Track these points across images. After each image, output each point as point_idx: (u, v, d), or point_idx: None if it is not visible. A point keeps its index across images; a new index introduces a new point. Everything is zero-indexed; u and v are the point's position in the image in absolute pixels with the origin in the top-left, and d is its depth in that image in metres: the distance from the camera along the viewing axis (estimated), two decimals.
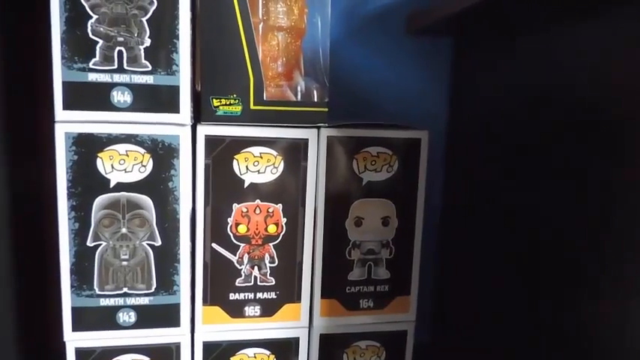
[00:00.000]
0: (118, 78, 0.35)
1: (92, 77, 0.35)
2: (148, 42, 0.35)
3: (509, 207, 0.43)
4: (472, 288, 0.50)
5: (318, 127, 0.38)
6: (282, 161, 0.38)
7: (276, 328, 0.40)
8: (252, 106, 0.37)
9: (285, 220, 0.39)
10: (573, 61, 0.36)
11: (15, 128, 0.42)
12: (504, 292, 0.44)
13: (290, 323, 0.41)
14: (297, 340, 0.41)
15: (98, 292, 0.37)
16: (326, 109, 0.38)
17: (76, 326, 0.37)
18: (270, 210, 0.38)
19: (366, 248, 0.41)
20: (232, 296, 0.39)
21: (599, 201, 0.33)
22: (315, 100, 0.38)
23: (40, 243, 0.42)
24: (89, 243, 0.37)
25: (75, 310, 0.37)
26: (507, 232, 0.44)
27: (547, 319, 0.38)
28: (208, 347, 0.40)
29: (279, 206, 0.39)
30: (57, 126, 0.35)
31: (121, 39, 0.34)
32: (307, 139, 0.38)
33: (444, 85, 0.53)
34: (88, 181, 0.36)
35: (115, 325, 0.38)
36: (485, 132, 0.47)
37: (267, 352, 0.41)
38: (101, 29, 0.34)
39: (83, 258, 0.37)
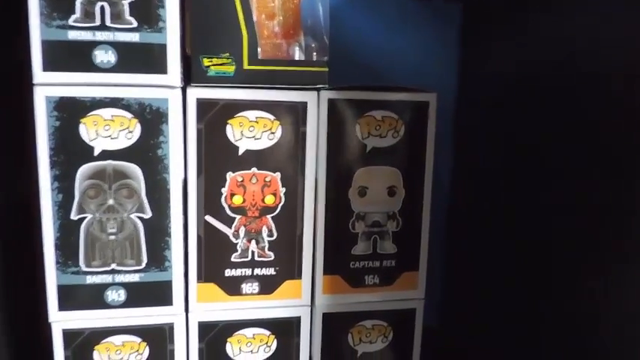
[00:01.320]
0: (100, 36, 0.32)
1: (73, 35, 0.32)
2: None
3: (526, 176, 0.41)
4: (484, 267, 0.47)
5: (318, 90, 0.36)
6: (280, 126, 0.35)
7: (276, 306, 0.38)
8: (246, 66, 0.34)
9: (283, 190, 0.36)
10: (592, 30, 0.33)
11: None
12: (519, 272, 0.42)
13: (291, 301, 0.38)
14: (298, 319, 0.38)
15: (84, 268, 0.35)
16: (326, 69, 0.35)
17: (63, 305, 0.35)
18: (268, 179, 0.36)
19: (371, 220, 0.38)
20: (228, 272, 0.37)
21: (622, 177, 0.30)
22: (315, 59, 0.35)
23: (26, 217, 0.40)
24: (73, 216, 0.34)
25: (60, 289, 0.35)
26: (524, 205, 0.41)
27: (564, 305, 0.36)
28: (204, 327, 0.37)
29: (277, 175, 0.36)
30: (36, 89, 0.33)
31: None
32: (306, 102, 0.35)
33: (452, 52, 0.50)
34: (71, 149, 0.33)
35: (104, 304, 0.36)
36: (495, 96, 0.45)
37: (267, 332, 0.38)
38: None
39: (68, 232, 0.34)
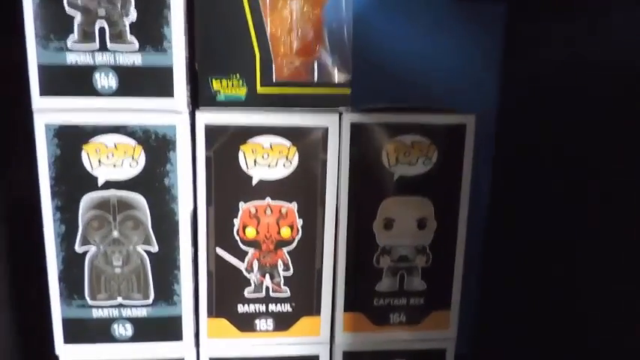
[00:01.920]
0: (100, 59, 0.30)
1: (71, 59, 0.29)
2: (133, 14, 0.29)
3: (570, 207, 0.36)
4: (522, 300, 0.42)
5: (340, 113, 0.32)
6: (297, 153, 0.32)
7: (292, 343, 0.35)
8: (259, 89, 0.30)
9: (301, 221, 0.33)
10: None
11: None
12: (558, 306, 0.37)
13: (308, 338, 0.35)
14: (316, 357, 0.36)
15: (90, 302, 0.33)
16: (348, 91, 0.31)
17: (68, 339, 0.33)
18: (284, 210, 0.33)
19: (398, 255, 0.34)
20: (241, 308, 0.34)
21: None
22: (336, 80, 0.31)
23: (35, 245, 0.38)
24: (77, 248, 0.32)
25: (66, 322, 0.33)
26: (565, 237, 0.36)
27: (603, 336, 0.31)
28: None
29: (294, 205, 0.33)
30: (36, 116, 0.30)
31: (101, 12, 0.29)
32: (327, 127, 0.32)
33: (494, 60, 0.45)
34: (73, 179, 0.31)
35: (111, 338, 0.34)
36: (544, 117, 0.39)
37: None
38: (78, 1, 0.29)
39: (72, 264, 0.32)
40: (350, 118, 0.32)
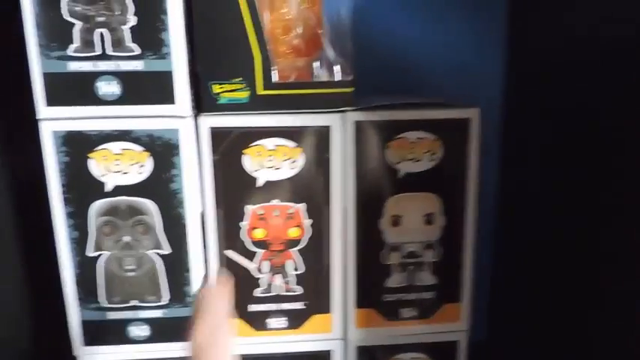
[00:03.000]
0: (102, 66, 0.30)
1: (73, 66, 0.30)
2: (133, 20, 0.29)
3: (578, 198, 0.35)
4: (533, 290, 0.42)
5: (343, 112, 0.32)
6: (302, 154, 0.32)
7: (305, 340, 0.35)
8: (260, 91, 0.30)
9: (308, 221, 0.33)
10: None
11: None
12: (570, 294, 0.37)
13: (321, 335, 0.36)
14: (329, 353, 0.36)
15: (105, 304, 0.34)
16: (351, 90, 0.31)
17: (87, 341, 0.34)
18: (291, 211, 0.33)
19: (407, 251, 0.34)
20: (252, 308, 0.34)
21: None
22: (338, 78, 0.31)
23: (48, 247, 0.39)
24: (90, 253, 0.33)
25: (84, 324, 0.34)
26: (576, 227, 0.36)
27: (614, 323, 0.31)
28: None
29: (301, 206, 0.33)
30: (42, 125, 0.31)
31: (101, 19, 0.29)
32: (329, 126, 0.32)
33: (497, 51, 0.44)
34: (82, 186, 0.31)
35: (128, 340, 0.34)
36: (552, 106, 0.38)
37: None
38: (77, 9, 0.29)
39: (86, 269, 0.33)
40: (353, 116, 0.32)
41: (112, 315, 0.34)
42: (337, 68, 0.30)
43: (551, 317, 0.40)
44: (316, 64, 0.31)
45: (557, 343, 0.40)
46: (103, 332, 0.34)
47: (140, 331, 0.35)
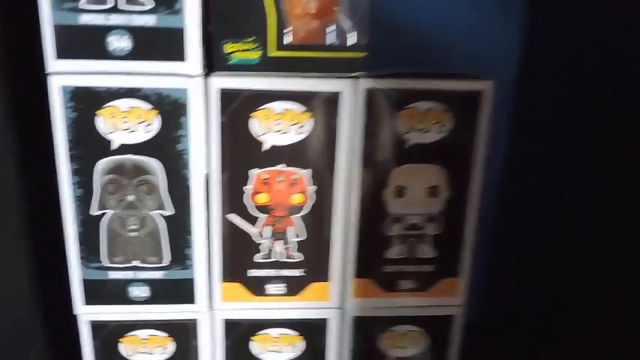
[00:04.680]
0: (114, 19, 0.29)
1: (84, 19, 0.29)
2: None
3: (586, 179, 0.35)
4: (535, 272, 0.43)
5: (355, 77, 0.32)
6: (310, 119, 0.32)
7: (302, 308, 0.36)
8: (272, 53, 0.30)
9: (312, 188, 0.33)
10: None
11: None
12: (572, 277, 0.37)
13: (318, 303, 0.36)
14: (325, 321, 0.36)
15: (107, 264, 0.34)
16: (362, 55, 0.31)
17: (88, 300, 0.34)
18: (295, 177, 0.33)
19: (408, 223, 0.34)
20: (252, 272, 0.35)
21: None
22: (351, 43, 0.31)
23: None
24: (93, 211, 0.33)
25: (85, 283, 0.34)
26: (581, 207, 0.36)
27: (613, 308, 0.31)
28: (229, 325, 0.36)
29: (306, 172, 0.33)
30: (51, 79, 0.30)
31: None
32: (340, 92, 0.31)
33: (514, 23, 0.44)
34: (88, 142, 0.31)
35: (128, 300, 0.35)
36: (567, 85, 0.39)
37: (293, 333, 0.36)
38: None
39: (89, 228, 0.33)
40: (364, 83, 0.31)
41: (113, 275, 0.34)
42: (353, 33, 0.30)
43: (545, 303, 0.41)
44: (330, 28, 0.30)
45: (548, 329, 0.40)
46: (103, 292, 0.34)
47: (140, 291, 0.35)
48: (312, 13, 0.30)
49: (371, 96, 0.32)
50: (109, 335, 0.35)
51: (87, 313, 0.35)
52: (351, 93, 0.32)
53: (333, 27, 0.30)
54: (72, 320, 0.35)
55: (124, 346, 0.36)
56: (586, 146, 0.37)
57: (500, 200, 0.48)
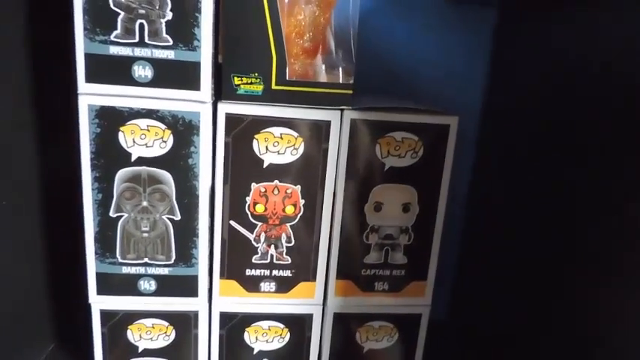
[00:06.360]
0: (139, 52, 0.34)
1: (113, 50, 0.34)
2: (169, 15, 0.34)
3: (543, 197, 0.41)
4: (495, 274, 0.49)
5: (342, 109, 0.37)
6: (303, 143, 0.37)
7: (290, 304, 0.41)
8: (273, 86, 0.35)
9: (303, 201, 0.39)
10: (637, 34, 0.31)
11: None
12: (526, 289, 0.43)
13: (304, 300, 0.41)
14: (310, 316, 0.42)
15: (120, 260, 0.39)
16: (351, 91, 0.36)
17: (100, 290, 0.39)
18: (289, 191, 0.38)
19: (385, 233, 0.40)
20: (249, 272, 0.40)
21: None
22: (341, 81, 0.36)
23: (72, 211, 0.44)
24: (111, 214, 0.37)
25: (99, 276, 0.39)
26: (538, 233, 0.42)
27: (574, 310, 0.37)
28: (225, 317, 0.41)
29: (298, 187, 0.38)
30: (80, 98, 0.35)
31: (142, 11, 0.33)
32: (329, 121, 0.37)
33: (481, 64, 0.50)
34: (110, 154, 0.36)
35: (137, 292, 0.39)
36: (526, 118, 0.45)
37: (281, 326, 0.42)
38: (122, 0, 0.33)
39: (106, 227, 0.38)
40: (350, 114, 0.37)
41: (125, 269, 0.39)
42: (340, 71, 0.36)
43: (510, 305, 0.46)
44: (322, 67, 0.36)
45: (514, 328, 0.46)
46: (115, 284, 0.39)
47: (148, 285, 0.40)
48: (307, 53, 0.36)
49: (355, 125, 0.37)
50: (118, 323, 0.40)
51: (99, 302, 0.40)
52: (338, 122, 0.37)
53: (323, 66, 0.35)
54: (85, 308, 0.40)
55: (131, 333, 0.41)
56: (541, 166, 0.43)
57: (467, 213, 0.54)
